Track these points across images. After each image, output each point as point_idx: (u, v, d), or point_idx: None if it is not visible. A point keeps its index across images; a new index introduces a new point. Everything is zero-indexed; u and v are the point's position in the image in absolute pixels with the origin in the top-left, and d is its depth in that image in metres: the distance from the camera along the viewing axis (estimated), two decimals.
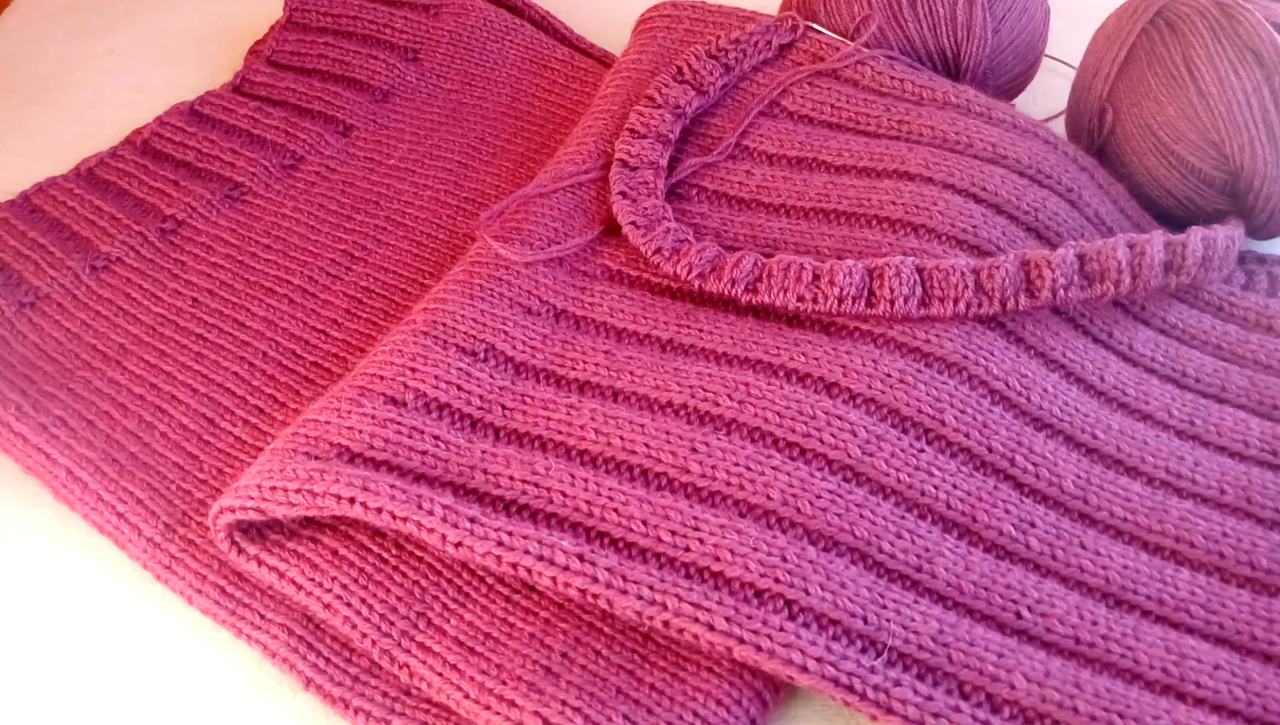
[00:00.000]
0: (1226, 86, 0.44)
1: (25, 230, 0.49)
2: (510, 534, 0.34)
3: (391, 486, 0.35)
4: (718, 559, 0.34)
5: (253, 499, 0.36)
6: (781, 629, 0.32)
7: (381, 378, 0.39)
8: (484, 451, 0.37)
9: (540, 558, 0.34)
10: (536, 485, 0.36)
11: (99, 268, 0.48)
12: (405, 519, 0.34)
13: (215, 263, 0.48)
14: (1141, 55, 0.47)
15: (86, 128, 0.58)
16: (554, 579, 0.34)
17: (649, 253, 0.43)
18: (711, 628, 0.32)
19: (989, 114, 0.47)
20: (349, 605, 0.36)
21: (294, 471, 0.36)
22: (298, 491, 0.35)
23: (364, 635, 0.35)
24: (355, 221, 0.51)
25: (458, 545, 0.34)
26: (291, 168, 0.53)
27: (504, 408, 0.39)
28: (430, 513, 0.34)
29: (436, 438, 0.37)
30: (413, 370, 0.39)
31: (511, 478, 0.36)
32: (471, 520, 0.34)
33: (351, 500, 0.35)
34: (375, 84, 0.57)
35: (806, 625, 0.32)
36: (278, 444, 0.38)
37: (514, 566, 0.34)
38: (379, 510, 0.34)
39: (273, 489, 0.35)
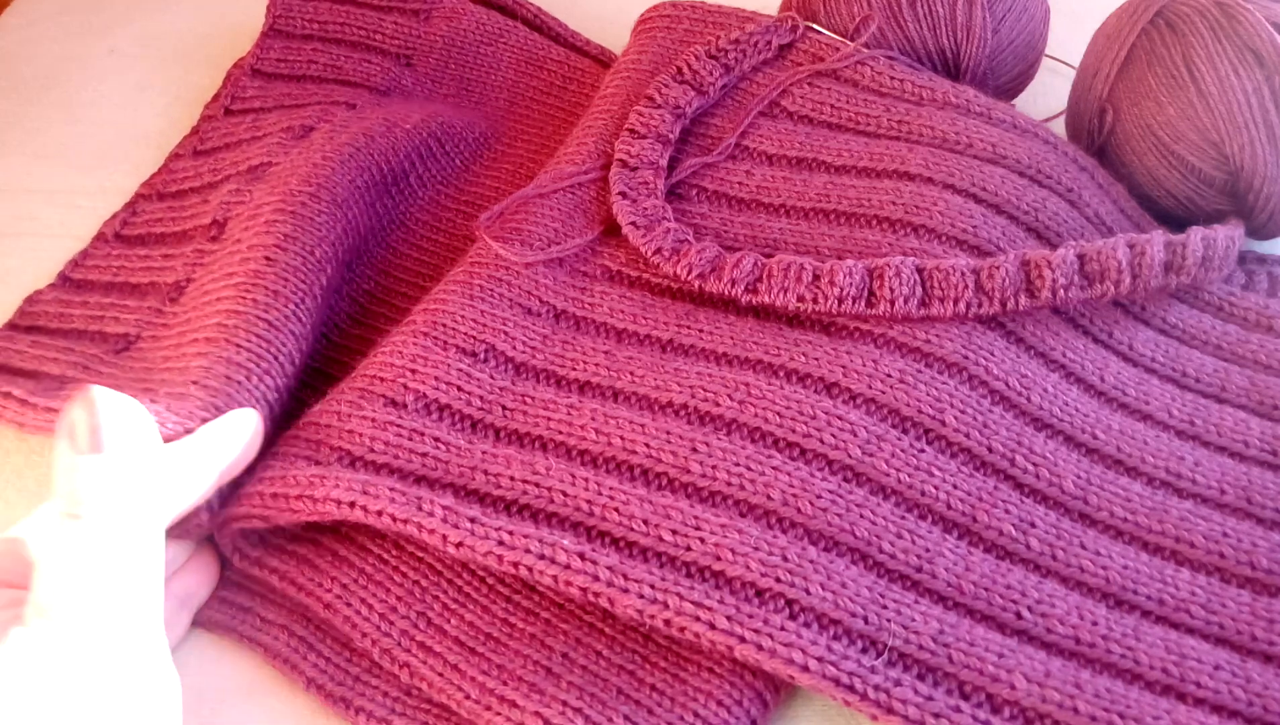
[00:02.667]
0: (1226, 86, 0.44)
1: (85, 299, 0.48)
2: (511, 533, 0.34)
3: (391, 489, 0.35)
4: (719, 558, 0.34)
5: (255, 507, 0.36)
6: (782, 628, 0.32)
7: (381, 380, 0.39)
8: (484, 452, 0.37)
9: (541, 557, 0.34)
10: (537, 485, 0.36)
11: (175, 298, 0.46)
12: (405, 521, 0.34)
13: (250, 228, 0.45)
14: (1141, 55, 0.47)
15: (86, 128, 0.58)
16: (555, 578, 0.34)
17: (649, 253, 0.43)
18: (713, 627, 0.33)
19: (989, 114, 0.47)
20: (349, 605, 0.36)
21: (294, 478, 0.36)
22: (299, 498, 0.35)
23: (364, 635, 0.35)
24: None
25: (459, 545, 0.34)
26: (303, 137, 0.51)
27: (504, 408, 0.39)
28: (430, 514, 0.34)
29: (437, 439, 0.37)
30: (413, 371, 0.39)
31: (512, 478, 0.36)
32: (472, 521, 0.34)
33: (352, 504, 0.35)
34: (373, 85, 0.57)
35: (807, 625, 0.33)
36: (278, 448, 0.38)
37: (515, 566, 0.34)
38: (379, 513, 0.35)
39: (274, 496, 0.35)
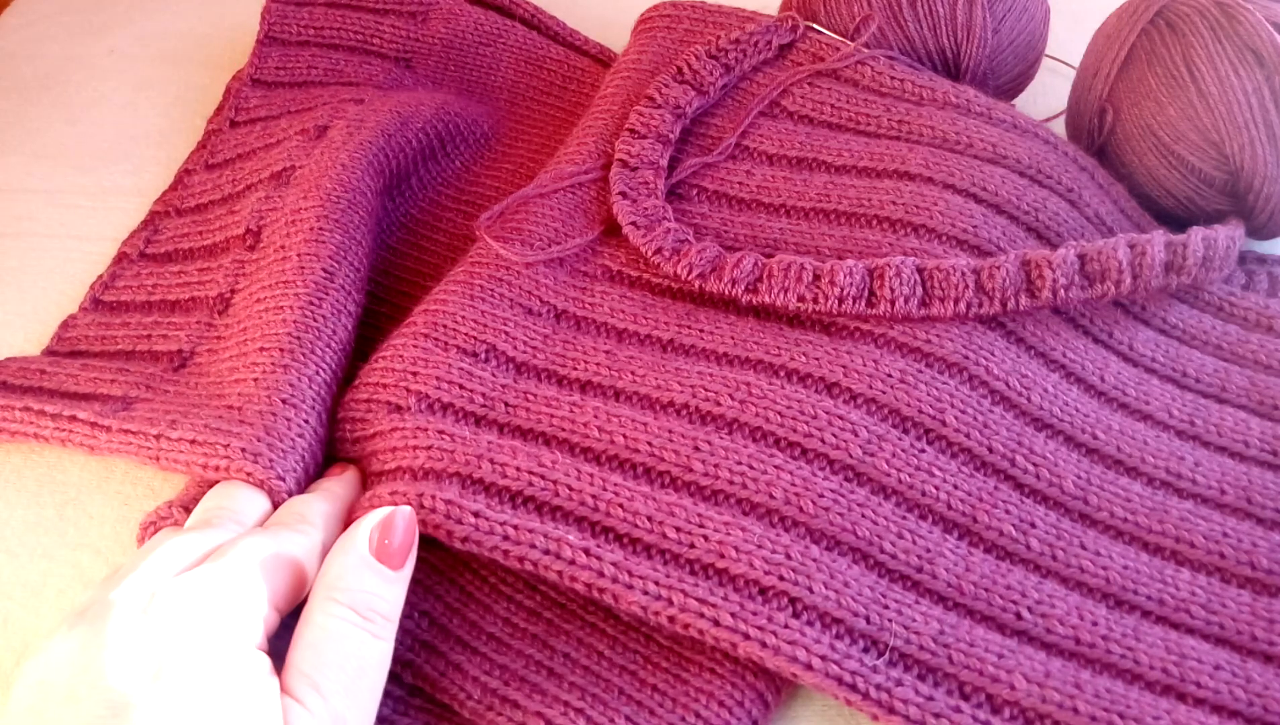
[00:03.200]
0: (1226, 86, 0.44)
1: (125, 320, 0.47)
2: (516, 528, 0.34)
3: (392, 493, 0.35)
4: (722, 556, 0.34)
5: None
6: (786, 626, 0.32)
7: (384, 387, 0.39)
8: (490, 442, 0.37)
9: (547, 552, 0.34)
10: (543, 477, 0.36)
11: (223, 310, 0.45)
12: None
13: (292, 235, 0.45)
14: (1141, 55, 0.47)
15: (86, 128, 0.58)
16: (560, 573, 0.34)
17: (649, 253, 0.43)
18: (717, 624, 0.33)
19: (989, 114, 0.47)
20: None
21: None
22: None
23: None
24: None
25: (464, 541, 0.34)
26: (319, 137, 0.51)
27: (507, 405, 0.39)
28: (433, 511, 0.34)
29: (441, 432, 0.37)
30: (414, 374, 0.39)
31: (518, 468, 0.36)
32: (476, 515, 0.34)
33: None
34: (375, 85, 0.57)
35: (810, 623, 0.33)
36: None
37: (520, 561, 0.34)
38: None
39: None
